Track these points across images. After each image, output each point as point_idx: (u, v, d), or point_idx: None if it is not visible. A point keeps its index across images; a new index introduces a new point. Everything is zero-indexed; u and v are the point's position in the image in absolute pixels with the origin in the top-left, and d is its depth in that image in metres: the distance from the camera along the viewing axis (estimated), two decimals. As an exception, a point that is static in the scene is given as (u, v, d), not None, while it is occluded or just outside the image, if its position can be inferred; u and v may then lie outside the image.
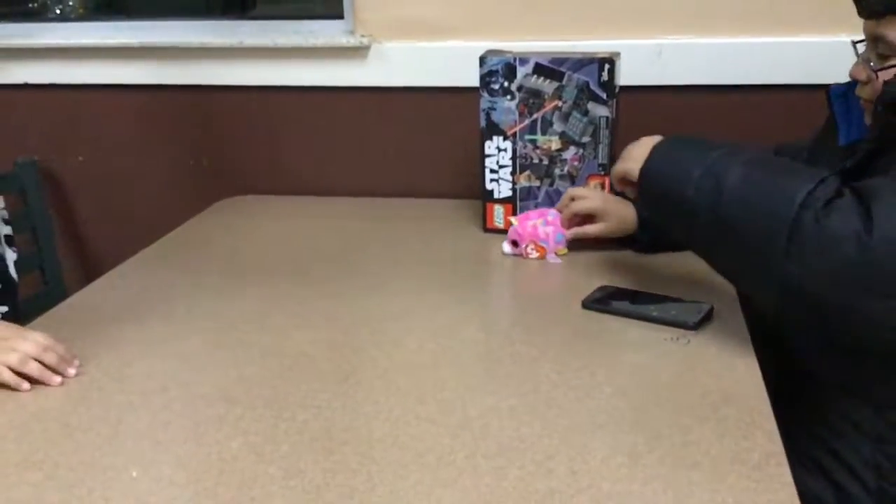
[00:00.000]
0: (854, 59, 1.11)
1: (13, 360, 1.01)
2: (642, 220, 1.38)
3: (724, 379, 1.00)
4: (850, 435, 1.10)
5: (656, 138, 1.15)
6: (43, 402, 1.00)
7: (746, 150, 1.07)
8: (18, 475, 0.86)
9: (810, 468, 1.12)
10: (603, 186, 1.46)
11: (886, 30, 1.03)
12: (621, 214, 1.39)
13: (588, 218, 1.40)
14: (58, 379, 1.03)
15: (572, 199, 1.41)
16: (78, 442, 0.91)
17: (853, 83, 1.18)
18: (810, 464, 1.12)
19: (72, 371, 1.05)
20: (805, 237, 0.94)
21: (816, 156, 1.26)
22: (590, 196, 1.41)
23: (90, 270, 2.01)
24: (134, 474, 0.85)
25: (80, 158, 1.98)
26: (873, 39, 1.06)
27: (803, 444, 1.12)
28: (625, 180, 1.18)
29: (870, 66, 1.08)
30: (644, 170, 1.12)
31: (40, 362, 1.03)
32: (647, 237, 1.39)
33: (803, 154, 1.29)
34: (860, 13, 1.07)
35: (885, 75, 1.06)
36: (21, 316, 1.46)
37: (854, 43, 1.11)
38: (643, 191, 1.14)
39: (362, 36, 1.73)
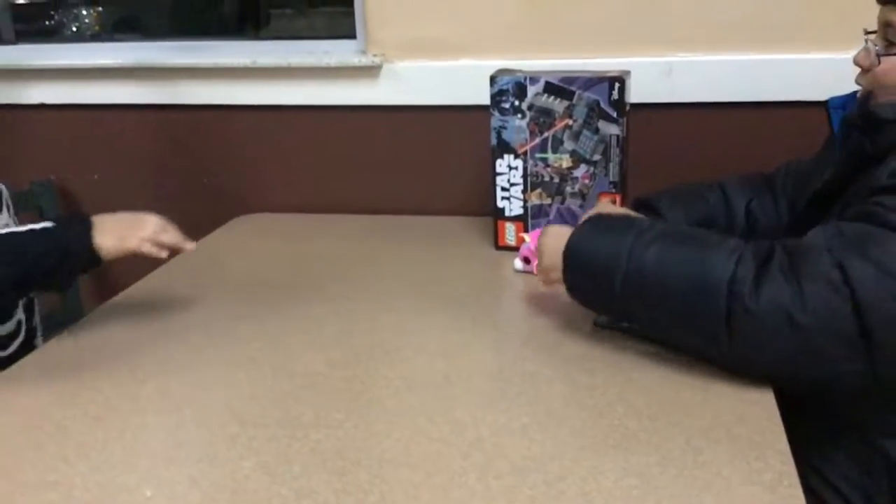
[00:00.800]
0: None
1: (147, 233, 1.20)
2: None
3: (737, 399, 1.00)
4: (837, 458, 1.09)
5: (564, 231, 1.15)
6: (59, 422, 1.01)
7: (656, 233, 1.07)
8: (35, 495, 0.87)
9: None
10: (614, 204, 1.47)
11: None
12: None
13: None
14: (190, 246, 1.25)
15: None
16: (93, 462, 0.92)
17: (852, 95, 1.19)
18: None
19: (189, 245, 1.25)
20: (741, 326, 0.97)
21: (820, 168, 1.26)
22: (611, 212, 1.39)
23: (106, 288, 2.02)
24: (148, 494, 0.86)
25: (96, 177, 2.00)
26: (884, 25, 1.09)
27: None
28: (550, 278, 1.19)
29: (875, 51, 1.09)
30: (565, 265, 1.13)
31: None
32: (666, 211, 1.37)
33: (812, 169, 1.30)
34: None
35: (886, 62, 1.08)
36: (41, 331, 1.48)
37: (866, 32, 1.12)
38: (570, 288, 1.14)
39: (374, 55, 1.75)
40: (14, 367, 1.16)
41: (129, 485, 0.87)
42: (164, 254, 1.23)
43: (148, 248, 1.21)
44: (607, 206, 1.36)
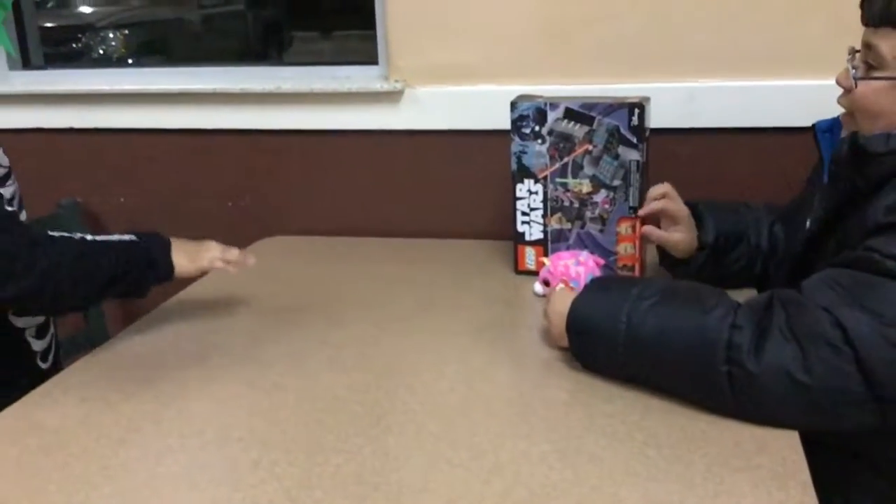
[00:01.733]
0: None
1: (216, 253, 1.35)
2: (702, 248, 1.36)
3: (758, 428, 0.99)
4: (850, 491, 1.09)
5: (569, 297, 1.16)
6: (84, 443, 1.02)
7: (654, 296, 1.08)
8: (59, 517, 0.88)
9: None
10: (633, 229, 1.47)
11: (879, 40, 1.05)
12: (693, 234, 1.36)
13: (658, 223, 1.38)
14: (252, 260, 1.39)
15: (664, 195, 1.34)
16: (117, 484, 0.93)
17: (839, 119, 1.19)
18: None
19: (251, 259, 1.39)
20: (744, 388, 0.98)
21: (807, 200, 1.26)
22: (680, 200, 1.36)
23: (130, 312, 2.05)
24: (171, 518, 0.87)
25: (122, 200, 2.03)
26: (866, 47, 1.08)
27: None
28: (559, 344, 1.20)
29: (853, 74, 1.09)
30: (569, 334, 1.14)
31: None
32: (697, 265, 1.36)
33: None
34: (861, 19, 1.09)
35: (863, 86, 1.08)
36: (63, 354, 1.52)
37: (852, 51, 1.11)
38: (576, 354, 1.16)
39: (396, 81, 1.77)
40: (40, 389, 1.18)
41: (152, 508, 0.89)
42: (231, 269, 1.37)
43: (219, 265, 1.36)
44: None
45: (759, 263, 1.39)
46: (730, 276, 1.37)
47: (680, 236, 1.35)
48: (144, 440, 1.03)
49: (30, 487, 0.95)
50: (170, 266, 1.31)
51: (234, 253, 1.38)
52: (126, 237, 1.30)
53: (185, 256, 1.33)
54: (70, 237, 1.25)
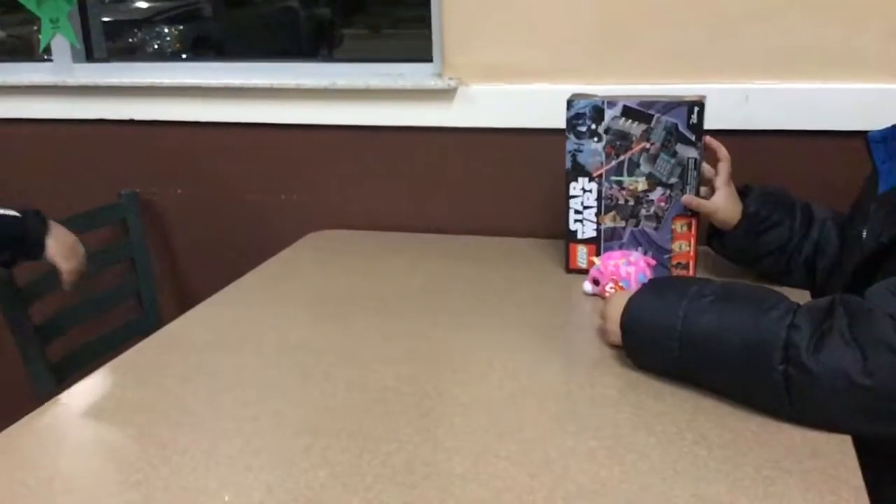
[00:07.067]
0: None
1: (77, 264, 1.61)
2: (745, 218, 1.39)
3: (810, 432, 0.98)
4: None
5: (626, 297, 1.16)
6: (142, 426, 1.05)
7: (712, 295, 1.08)
8: (120, 495, 0.91)
9: None
10: (689, 226, 1.47)
11: None
12: (736, 205, 1.40)
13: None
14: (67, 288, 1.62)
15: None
16: (174, 465, 0.96)
17: (894, 128, 1.17)
18: None
19: (67, 288, 1.63)
20: (801, 388, 0.97)
21: (862, 210, 1.24)
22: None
23: (185, 300, 2.10)
24: (226, 499, 0.89)
25: (179, 191, 2.07)
26: None
27: None
28: (612, 342, 1.21)
29: None
30: (623, 331, 1.15)
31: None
32: (736, 239, 1.40)
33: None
34: None
35: None
36: (117, 341, 1.62)
37: None
38: (630, 354, 1.16)
39: (450, 79, 1.78)
40: (97, 373, 1.22)
41: (209, 489, 0.91)
42: (67, 287, 1.60)
43: (69, 277, 1.59)
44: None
45: (801, 255, 1.39)
46: (766, 256, 1.40)
47: (719, 204, 1.40)
48: (200, 424, 1.05)
49: (90, 466, 0.98)
50: (41, 247, 1.53)
51: (73, 274, 1.60)
52: (10, 212, 1.52)
53: (59, 246, 1.55)
54: None
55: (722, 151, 1.42)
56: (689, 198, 1.43)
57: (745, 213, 1.39)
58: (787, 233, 1.39)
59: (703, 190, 1.44)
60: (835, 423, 0.97)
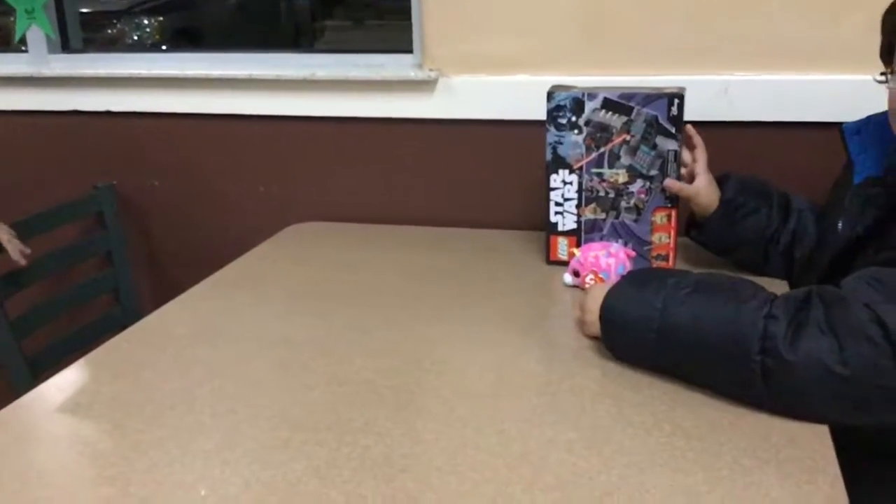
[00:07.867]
0: None
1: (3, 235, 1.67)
2: (722, 204, 1.40)
3: (787, 421, 0.99)
4: (882, 493, 1.08)
5: (606, 289, 1.17)
6: (118, 420, 1.04)
7: (690, 286, 1.08)
8: (95, 489, 0.90)
9: None
10: (669, 218, 1.47)
11: None
12: (714, 192, 1.41)
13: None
14: (22, 262, 1.70)
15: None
16: (151, 459, 0.95)
17: (868, 119, 1.17)
18: None
19: (22, 262, 1.69)
20: (779, 378, 0.97)
21: (835, 195, 1.25)
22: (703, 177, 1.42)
23: (162, 293, 2.07)
24: (203, 493, 0.88)
25: (156, 183, 2.05)
26: None
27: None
28: (591, 333, 1.21)
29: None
30: (603, 322, 1.15)
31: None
32: (713, 225, 1.41)
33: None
34: None
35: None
36: (95, 335, 1.59)
37: None
38: (609, 347, 1.17)
39: (430, 70, 1.77)
40: (73, 367, 1.20)
41: (185, 482, 0.90)
42: (16, 256, 1.67)
43: (9, 245, 1.66)
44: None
45: (779, 245, 1.40)
46: (744, 245, 1.41)
47: (700, 188, 1.41)
48: (177, 417, 1.04)
49: (64, 461, 0.97)
50: None
51: (15, 244, 1.66)
52: None
53: None
54: None
55: (697, 139, 1.43)
56: (671, 181, 1.44)
57: (722, 200, 1.40)
58: (765, 220, 1.40)
59: (683, 178, 1.45)
60: (812, 412, 0.98)
